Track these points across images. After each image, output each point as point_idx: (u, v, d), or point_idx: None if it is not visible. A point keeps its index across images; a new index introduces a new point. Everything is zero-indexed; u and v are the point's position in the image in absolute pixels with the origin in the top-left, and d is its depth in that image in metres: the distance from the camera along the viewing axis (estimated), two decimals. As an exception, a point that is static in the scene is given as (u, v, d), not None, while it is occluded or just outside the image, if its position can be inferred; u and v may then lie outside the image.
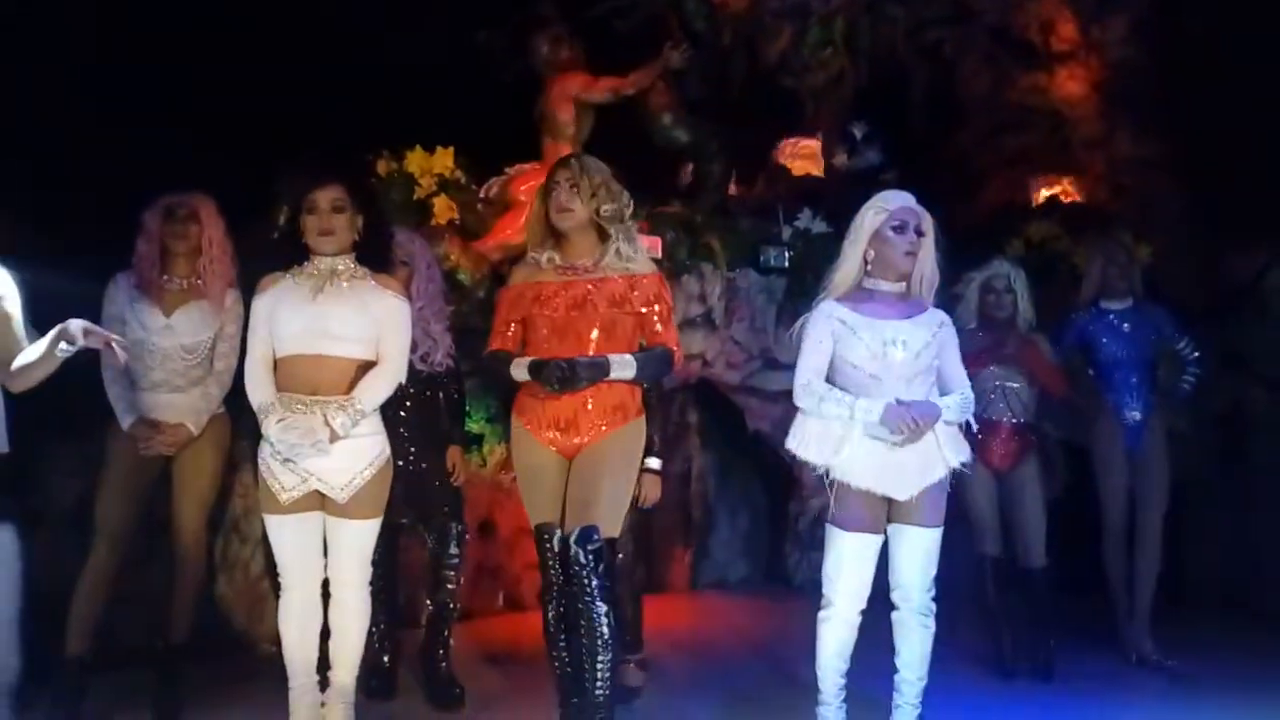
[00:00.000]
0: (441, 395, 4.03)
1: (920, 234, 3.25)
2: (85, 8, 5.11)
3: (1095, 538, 4.73)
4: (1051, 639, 4.43)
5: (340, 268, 3.28)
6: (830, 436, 3.22)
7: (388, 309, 3.29)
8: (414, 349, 3.52)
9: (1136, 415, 4.63)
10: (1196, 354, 4.71)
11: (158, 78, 5.14)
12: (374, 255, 3.36)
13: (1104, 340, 4.68)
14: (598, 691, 3.16)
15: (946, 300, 3.42)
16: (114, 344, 3.05)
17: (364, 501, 3.23)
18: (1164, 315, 4.74)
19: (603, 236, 3.34)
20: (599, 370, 3.22)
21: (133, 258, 3.75)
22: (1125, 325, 4.67)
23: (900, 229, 3.24)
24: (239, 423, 3.83)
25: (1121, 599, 4.70)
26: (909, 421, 3.11)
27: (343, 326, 3.21)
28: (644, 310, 3.32)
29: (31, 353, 3.11)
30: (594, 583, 3.13)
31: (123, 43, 5.11)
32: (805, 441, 3.29)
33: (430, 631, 4.07)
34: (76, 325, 3.02)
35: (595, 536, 3.15)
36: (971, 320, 4.47)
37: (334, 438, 3.14)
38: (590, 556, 3.12)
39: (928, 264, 3.28)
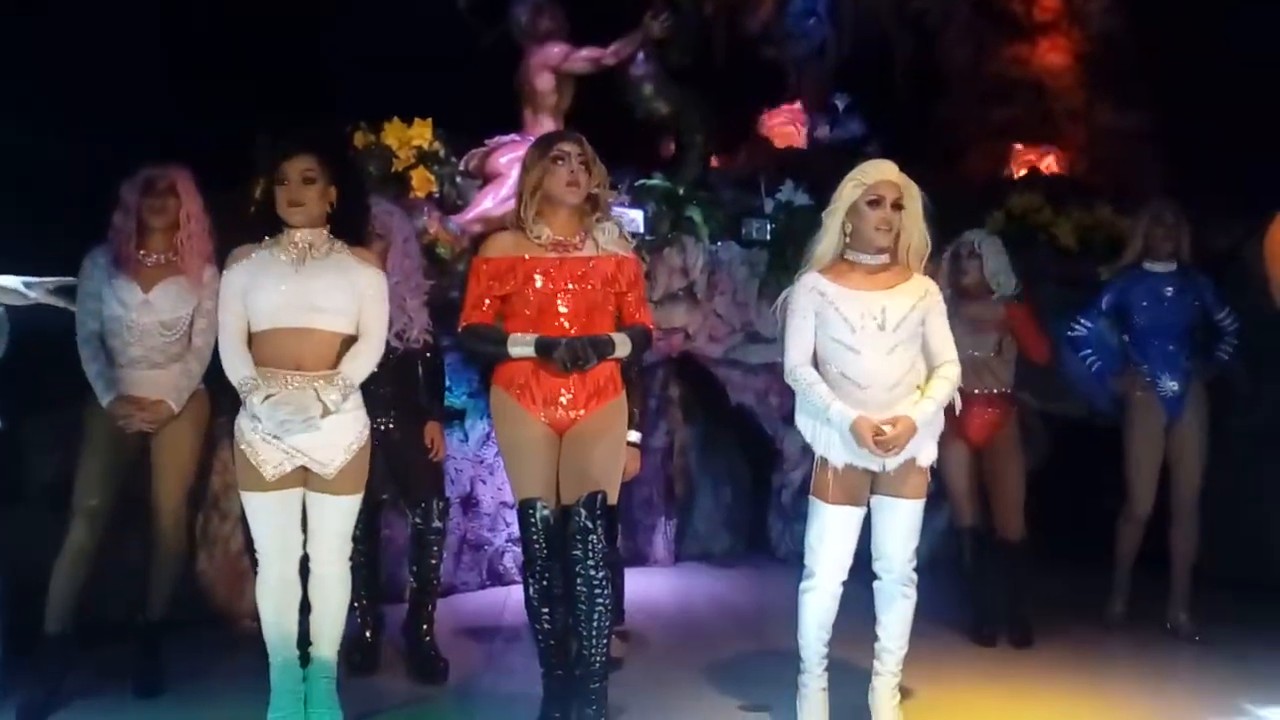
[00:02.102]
0: (420, 370, 4.01)
1: (898, 207, 3.23)
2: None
3: (1081, 509, 4.71)
4: (1030, 608, 4.47)
5: (314, 240, 3.24)
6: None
7: (368, 281, 3.27)
8: (389, 325, 3.45)
9: (1174, 387, 4.46)
10: (1236, 325, 4.51)
11: (135, 48, 5.05)
12: (349, 228, 3.32)
13: (1144, 304, 4.47)
14: (594, 657, 3.20)
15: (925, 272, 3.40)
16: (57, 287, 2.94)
17: (348, 477, 3.22)
18: (1208, 282, 4.54)
19: (583, 215, 3.34)
20: (608, 348, 3.26)
21: (109, 232, 3.69)
22: (1168, 289, 4.47)
23: (875, 203, 3.22)
24: (218, 399, 3.80)
25: (1124, 574, 4.66)
26: (871, 442, 3.11)
27: (327, 299, 3.19)
28: (625, 290, 3.36)
29: None
30: (596, 547, 3.17)
31: (97, 11, 5.02)
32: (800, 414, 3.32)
33: (413, 606, 4.07)
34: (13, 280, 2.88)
35: (601, 502, 3.19)
36: (945, 289, 4.44)
37: (325, 413, 3.13)
38: (595, 522, 3.17)
39: (915, 233, 3.25)
